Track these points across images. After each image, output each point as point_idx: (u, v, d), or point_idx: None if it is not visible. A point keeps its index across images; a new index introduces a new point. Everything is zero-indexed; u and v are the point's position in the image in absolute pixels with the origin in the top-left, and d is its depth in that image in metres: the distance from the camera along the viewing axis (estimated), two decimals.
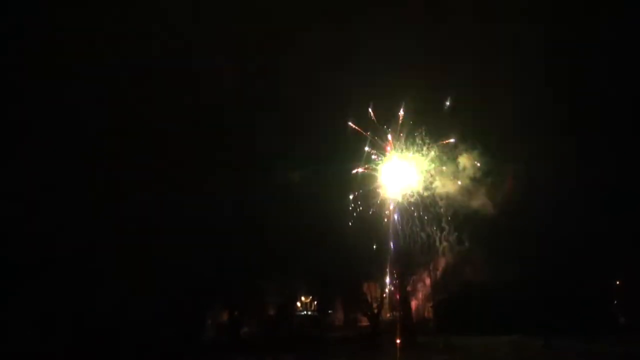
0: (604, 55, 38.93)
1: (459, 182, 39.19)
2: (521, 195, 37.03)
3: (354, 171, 39.94)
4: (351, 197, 40.00)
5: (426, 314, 43.44)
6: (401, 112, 39.19)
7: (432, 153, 39.44)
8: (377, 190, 40.29)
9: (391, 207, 40.01)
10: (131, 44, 36.74)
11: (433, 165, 39.55)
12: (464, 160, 39.05)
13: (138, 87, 36.79)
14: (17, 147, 34.76)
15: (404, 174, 40.00)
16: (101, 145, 37.08)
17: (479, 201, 38.73)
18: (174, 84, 37.85)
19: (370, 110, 39.29)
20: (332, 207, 39.86)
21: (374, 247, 40.18)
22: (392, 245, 39.92)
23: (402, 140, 39.59)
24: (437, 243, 39.89)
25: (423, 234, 39.68)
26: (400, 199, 39.84)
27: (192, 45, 38.60)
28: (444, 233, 39.67)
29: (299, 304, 45.96)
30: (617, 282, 41.91)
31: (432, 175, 39.57)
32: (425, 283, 42.76)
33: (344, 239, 39.53)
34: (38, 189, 34.49)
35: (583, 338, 33.44)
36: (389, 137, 39.74)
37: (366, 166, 40.08)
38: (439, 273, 41.61)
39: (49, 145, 35.41)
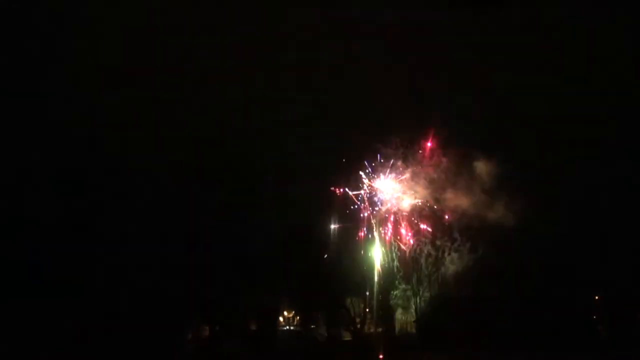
0: None
1: (470, 194, 37.40)
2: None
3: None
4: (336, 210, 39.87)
5: (409, 329, 43.18)
6: None
7: (443, 163, 38.22)
8: (365, 203, 40.23)
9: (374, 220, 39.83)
10: None
11: (443, 176, 38.15)
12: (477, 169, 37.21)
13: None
14: None
15: (401, 187, 39.46)
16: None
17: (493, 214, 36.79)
18: None
19: None
20: (315, 221, 39.82)
21: (358, 261, 40.13)
22: (376, 259, 39.88)
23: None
24: (446, 254, 39.00)
25: (431, 247, 39.09)
26: (406, 209, 39.17)
27: None
28: (456, 244, 38.71)
29: (281, 318, 45.46)
30: (597, 297, 42.38)
31: (442, 187, 38.44)
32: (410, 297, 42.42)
33: (327, 253, 39.45)
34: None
35: (566, 352, 33.59)
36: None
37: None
38: (422, 288, 41.38)
39: None
